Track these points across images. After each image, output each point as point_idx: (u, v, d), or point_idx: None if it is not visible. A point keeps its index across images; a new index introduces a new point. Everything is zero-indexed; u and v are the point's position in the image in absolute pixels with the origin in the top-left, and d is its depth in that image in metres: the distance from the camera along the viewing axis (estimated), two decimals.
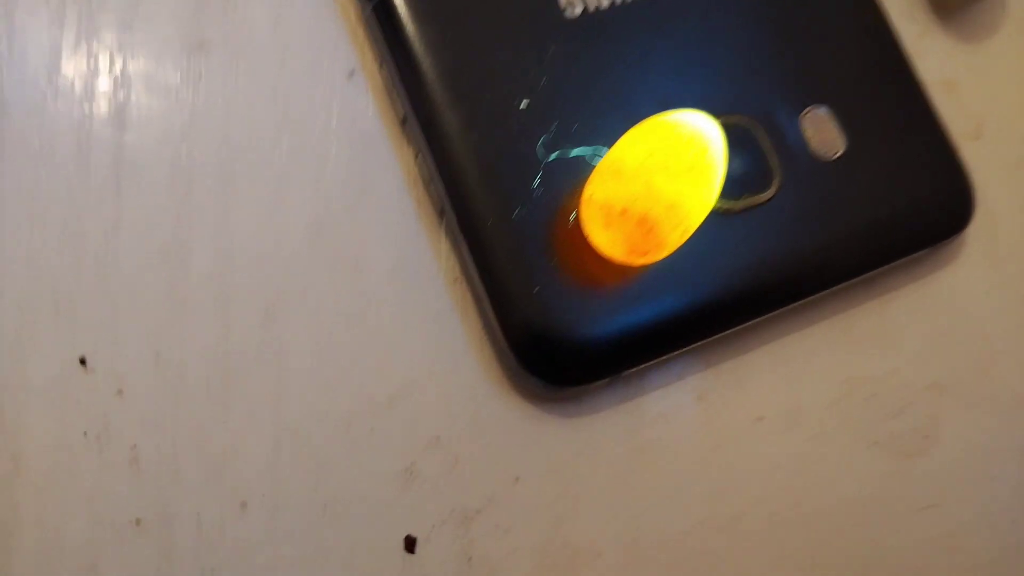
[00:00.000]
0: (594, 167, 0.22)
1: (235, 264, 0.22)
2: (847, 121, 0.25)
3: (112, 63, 0.23)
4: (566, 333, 0.22)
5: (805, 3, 0.26)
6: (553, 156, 0.23)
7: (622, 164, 0.20)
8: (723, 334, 0.23)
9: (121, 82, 0.23)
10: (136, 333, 0.22)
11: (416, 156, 0.23)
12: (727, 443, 0.24)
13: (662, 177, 0.20)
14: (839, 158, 0.25)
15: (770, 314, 0.24)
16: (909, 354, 0.26)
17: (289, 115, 0.23)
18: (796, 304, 0.24)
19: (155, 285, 0.22)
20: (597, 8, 0.24)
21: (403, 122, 0.23)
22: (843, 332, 0.26)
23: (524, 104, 0.23)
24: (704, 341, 0.23)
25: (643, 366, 0.23)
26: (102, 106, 0.23)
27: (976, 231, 0.26)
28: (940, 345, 0.26)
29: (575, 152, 0.23)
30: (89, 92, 0.23)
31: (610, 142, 0.22)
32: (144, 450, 0.21)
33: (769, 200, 0.24)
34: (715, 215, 0.22)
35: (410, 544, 0.22)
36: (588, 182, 0.21)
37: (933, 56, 0.28)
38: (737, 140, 0.24)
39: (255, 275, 0.23)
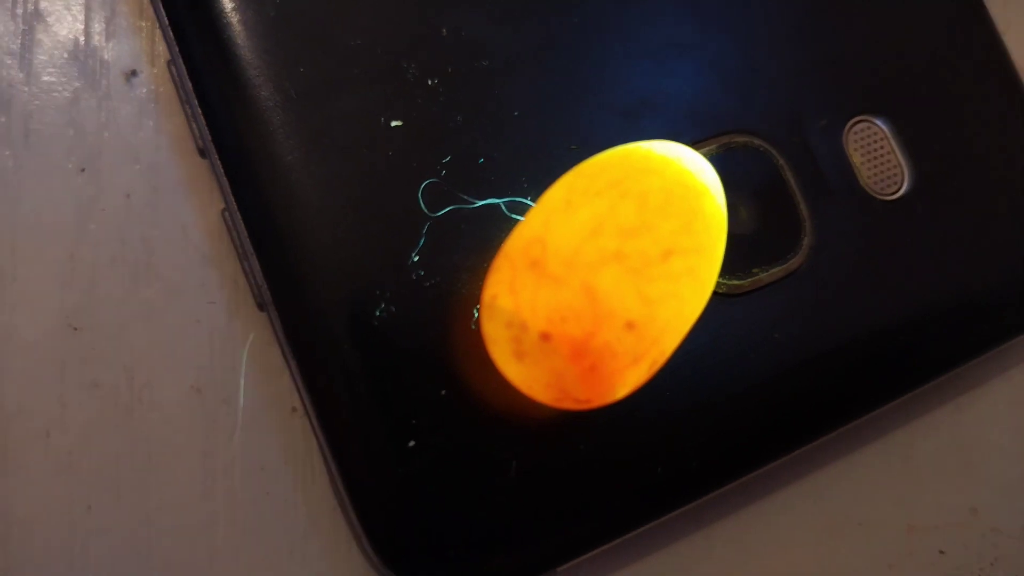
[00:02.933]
0: (516, 226, 0.13)
1: None
2: (913, 141, 0.16)
3: None
4: (463, 516, 0.13)
5: None
6: (444, 210, 0.14)
7: (545, 246, 0.11)
8: (721, 490, 0.15)
9: None
10: None
11: (223, 211, 0.14)
12: None
13: (617, 272, 0.11)
14: (900, 198, 0.16)
15: (794, 453, 0.15)
16: (995, 487, 0.17)
17: (27, 139, 0.14)
18: (835, 434, 0.16)
19: None
20: None
21: (201, 153, 0.14)
22: (901, 459, 0.17)
23: (396, 122, 0.14)
24: (690, 505, 0.15)
25: (590, 554, 0.14)
26: None
27: None
28: None
29: (481, 202, 0.14)
30: None
31: (536, 189, 0.14)
32: None
33: (797, 270, 0.15)
34: (711, 299, 0.13)
35: None
36: (491, 269, 0.12)
37: None
38: (745, 174, 0.15)
39: None
